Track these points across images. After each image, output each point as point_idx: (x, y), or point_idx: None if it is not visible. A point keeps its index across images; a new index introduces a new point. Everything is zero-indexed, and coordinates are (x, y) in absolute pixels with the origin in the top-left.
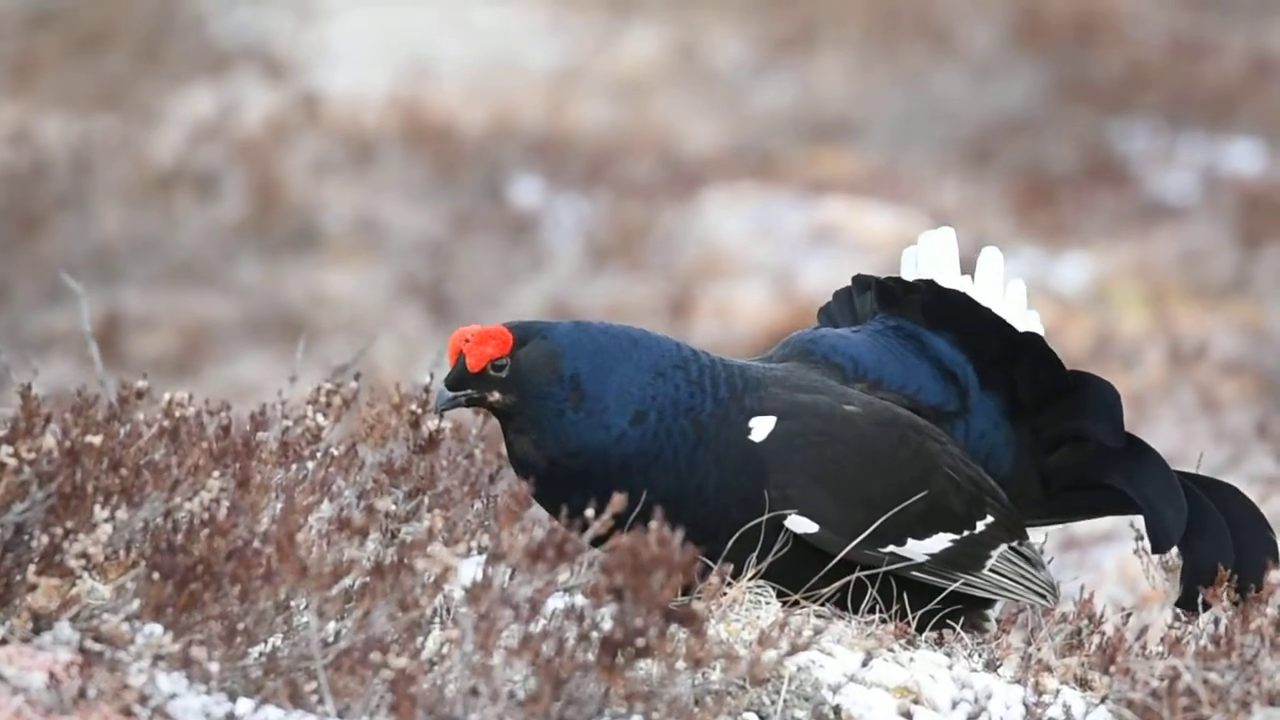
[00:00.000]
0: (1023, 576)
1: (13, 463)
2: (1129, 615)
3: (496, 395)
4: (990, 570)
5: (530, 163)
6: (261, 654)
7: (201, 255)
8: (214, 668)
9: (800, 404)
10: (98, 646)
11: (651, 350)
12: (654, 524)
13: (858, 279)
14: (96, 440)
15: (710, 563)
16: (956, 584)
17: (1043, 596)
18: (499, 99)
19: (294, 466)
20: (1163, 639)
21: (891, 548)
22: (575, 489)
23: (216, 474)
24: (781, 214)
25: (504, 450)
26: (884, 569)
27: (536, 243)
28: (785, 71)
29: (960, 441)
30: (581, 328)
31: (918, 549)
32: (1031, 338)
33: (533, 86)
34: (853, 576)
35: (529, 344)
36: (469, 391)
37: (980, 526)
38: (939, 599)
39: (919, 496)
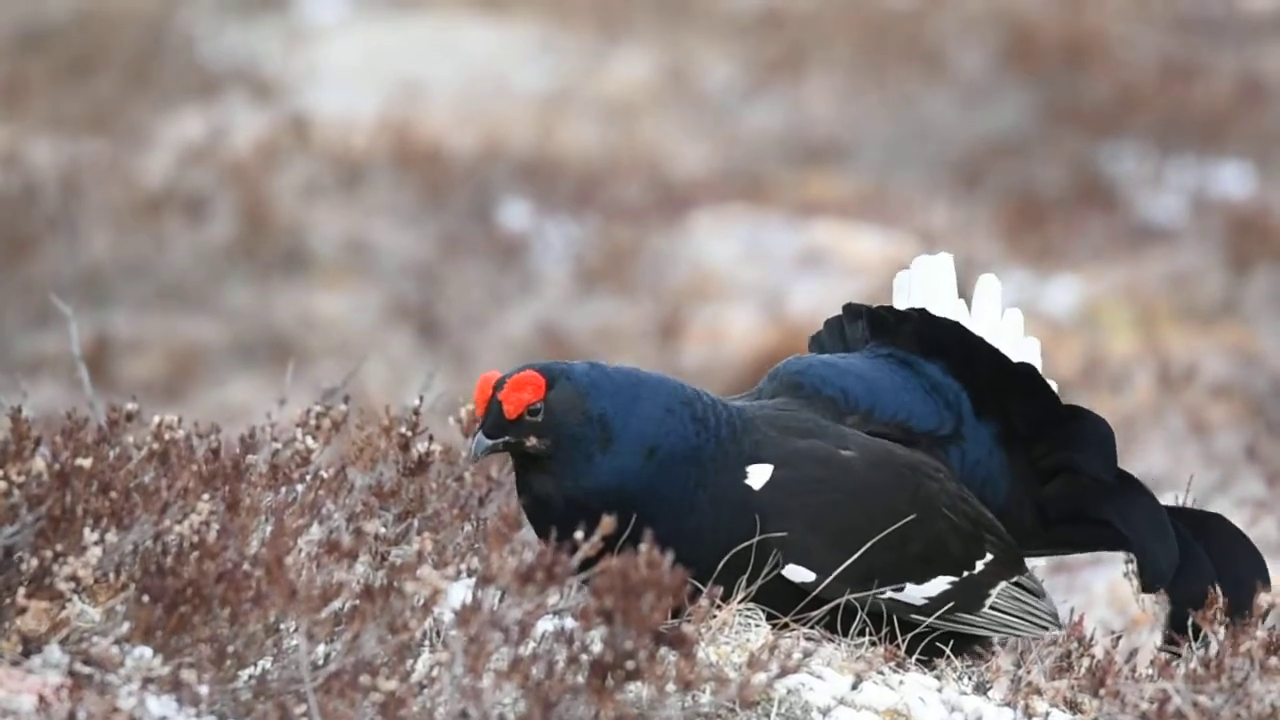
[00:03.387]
0: (1025, 611)
1: (2, 485)
2: (1119, 638)
3: (533, 440)
4: (990, 609)
5: (519, 185)
6: (251, 677)
7: (191, 278)
8: (204, 690)
9: (797, 451)
10: (88, 669)
11: (659, 389)
12: (643, 547)
13: (848, 308)
14: (86, 463)
15: (701, 586)
16: (956, 626)
17: (1045, 629)
18: (488, 122)
19: (283, 489)
20: (1152, 662)
21: (889, 593)
22: (587, 527)
23: (206, 497)
24: (771, 237)
25: (494, 473)
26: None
27: (526, 265)
28: (775, 94)
29: (955, 471)
30: (597, 368)
31: (916, 593)
32: (1024, 368)
33: (522, 109)
34: (836, 602)
35: (556, 386)
36: (506, 438)
37: (979, 566)
38: (935, 635)
39: (916, 540)
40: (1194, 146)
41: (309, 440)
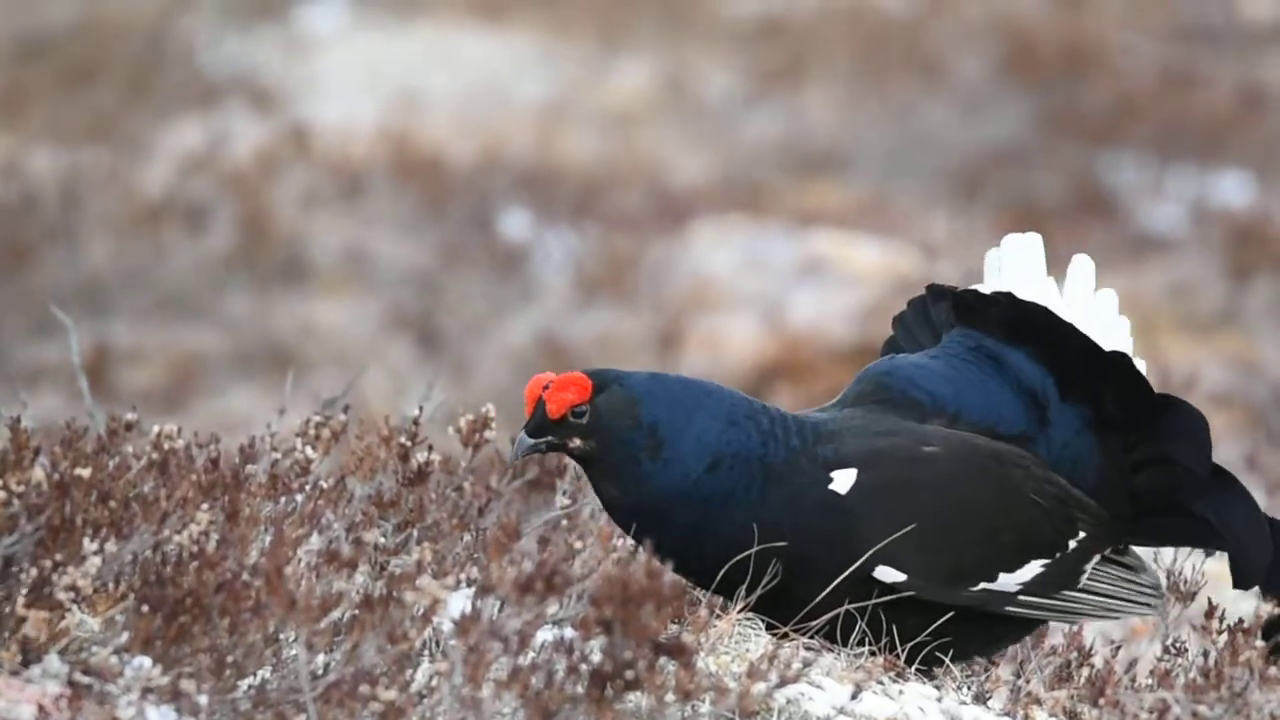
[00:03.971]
0: (1123, 583)
1: (2, 495)
2: (1118, 648)
3: (577, 442)
4: (1087, 582)
5: (519, 195)
6: (250, 686)
7: (190, 287)
8: (203, 700)
9: (880, 451)
10: (87, 679)
11: (724, 401)
12: (642, 556)
13: (932, 288)
14: (86, 473)
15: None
16: (1052, 616)
17: (1146, 604)
18: (488, 131)
19: (283, 499)
20: (1152, 672)
21: (983, 585)
22: (662, 526)
23: (205, 507)
24: (771, 246)
25: (493, 483)
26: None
27: (526, 275)
28: (774, 104)
29: (1043, 459)
30: (656, 378)
31: (1009, 580)
32: (1117, 356)
33: (522, 119)
34: (909, 625)
35: (607, 391)
36: (549, 438)
37: (1072, 545)
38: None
39: (1006, 530)
40: (1194, 156)
41: (308, 450)
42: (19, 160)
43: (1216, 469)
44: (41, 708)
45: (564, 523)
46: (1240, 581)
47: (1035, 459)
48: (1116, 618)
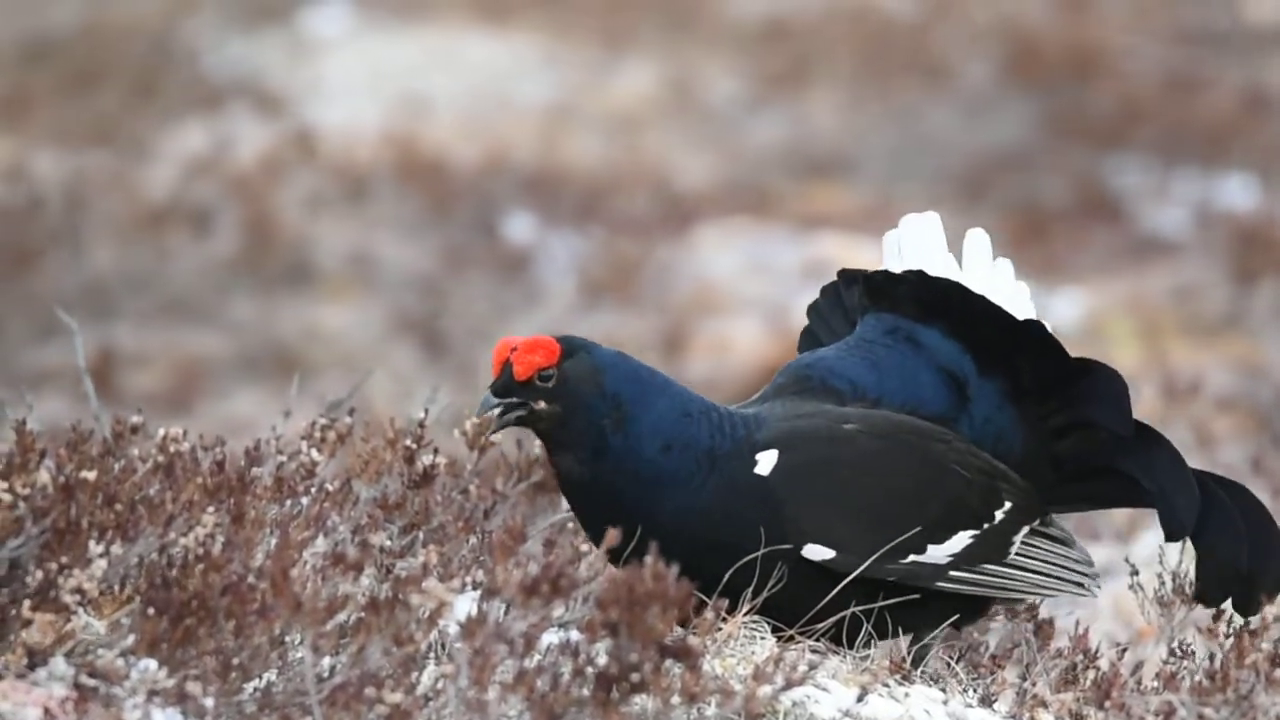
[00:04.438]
0: (1055, 558)
1: (7, 498)
2: (1124, 650)
3: (541, 404)
4: (1016, 555)
5: (524, 198)
6: (256, 689)
7: (195, 291)
8: (209, 703)
9: (798, 431)
10: (93, 682)
11: (680, 395)
12: (649, 558)
13: (844, 273)
14: (91, 476)
15: (705, 598)
16: (986, 591)
17: (1080, 583)
18: (492, 135)
19: (288, 502)
20: (1158, 674)
21: (912, 557)
22: (612, 505)
23: (211, 509)
24: (775, 249)
25: (499, 485)
26: (907, 582)
27: (530, 278)
28: (778, 107)
29: (965, 435)
30: (623, 356)
31: (939, 552)
32: (1030, 324)
33: (526, 122)
34: (845, 605)
35: (575, 357)
36: (514, 399)
37: (999, 515)
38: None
39: (931, 501)
40: (1198, 159)
41: (314, 453)
42: (23, 163)
43: (1140, 426)
44: (47, 710)
45: (569, 525)
46: (1171, 534)
47: (957, 435)
48: (1054, 594)
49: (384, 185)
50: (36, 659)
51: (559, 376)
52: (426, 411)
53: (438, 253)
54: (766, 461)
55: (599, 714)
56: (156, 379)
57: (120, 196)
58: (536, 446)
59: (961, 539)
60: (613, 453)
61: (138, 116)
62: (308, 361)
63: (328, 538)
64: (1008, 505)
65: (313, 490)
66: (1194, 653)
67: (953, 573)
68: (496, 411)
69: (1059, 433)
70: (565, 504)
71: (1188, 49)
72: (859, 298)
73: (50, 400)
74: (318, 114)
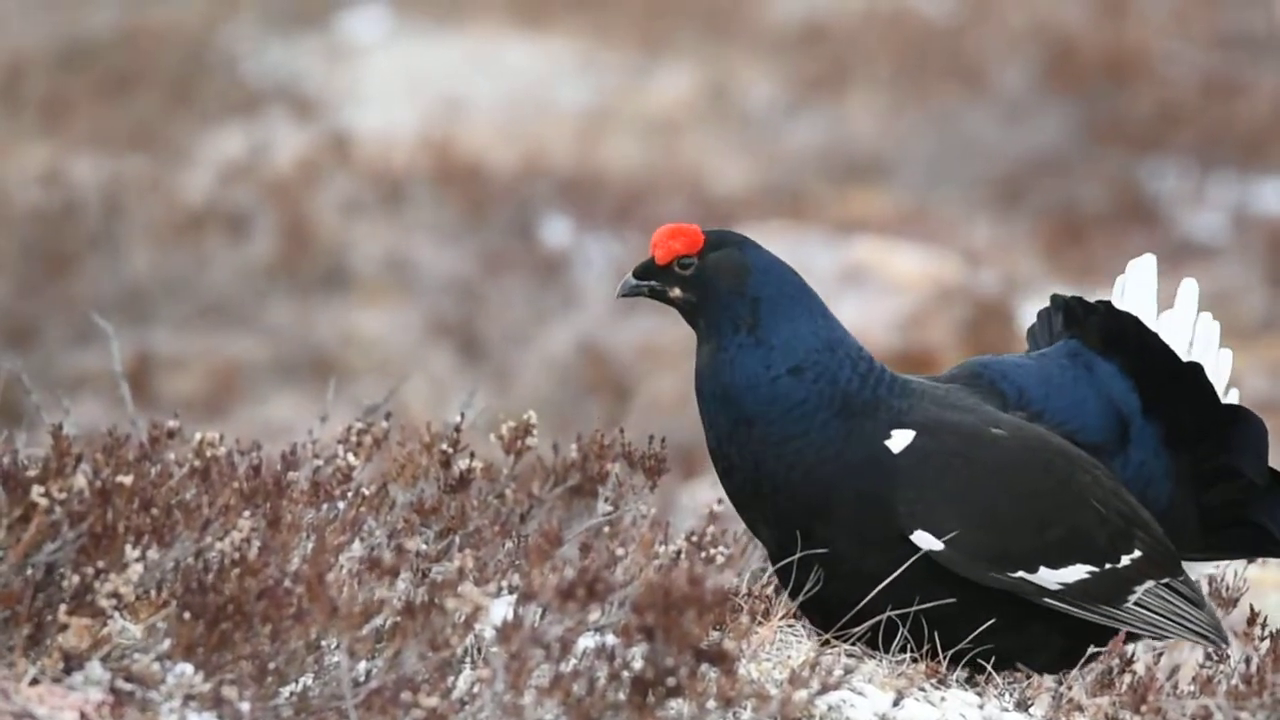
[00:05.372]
0: (1176, 614)
1: (44, 502)
2: (1160, 655)
3: (677, 291)
4: (1135, 604)
5: (560, 202)
6: (292, 693)
7: (232, 295)
8: (245, 707)
9: (944, 422)
10: (129, 686)
11: (835, 329)
12: (685, 564)
13: (1054, 298)
14: (127, 480)
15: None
16: (1095, 616)
17: (1204, 636)
18: (529, 139)
19: (325, 506)
20: (1194, 678)
21: (1021, 573)
22: (725, 413)
23: (247, 514)
24: (812, 254)
25: (535, 490)
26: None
27: (567, 282)
28: (816, 111)
29: (1116, 474)
30: (781, 264)
31: (1050, 577)
32: (1192, 366)
33: (563, 126)
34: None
35: (722, 250)
36: (652, 283)
37: (1125, 560)
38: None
39: (1057, 526)
40: (1235, 163)
41: (350, 457)
42: (61, 168)
43: (1274, 474)
44: (84, 715)
45: (606, 529)
46: None
47: (1108, 472)
48: (1172, 638)
49: (421, 189)
50: (72, 663)
51: (698, 266)
52: (463, 416)
53: (474, 257)
54: (901, 439)
55: (634, 718)
56: (193, 383)
57: (158, 201)
58: (573, 449)
59: (1078, 571)
60: (736, 358)
61: (175, 121)
62: (344, 366)
63: (364, 542)
64: (1137, 554)
65: (349, 495)
66: (1230, 657)
67: (1058, 601)
68: (630, 284)
69: (1206, 482)
70: (602, 508)
71: (1225, 53)
72: (1060, 322)
73: (87, 405)
74: (355, 119)
